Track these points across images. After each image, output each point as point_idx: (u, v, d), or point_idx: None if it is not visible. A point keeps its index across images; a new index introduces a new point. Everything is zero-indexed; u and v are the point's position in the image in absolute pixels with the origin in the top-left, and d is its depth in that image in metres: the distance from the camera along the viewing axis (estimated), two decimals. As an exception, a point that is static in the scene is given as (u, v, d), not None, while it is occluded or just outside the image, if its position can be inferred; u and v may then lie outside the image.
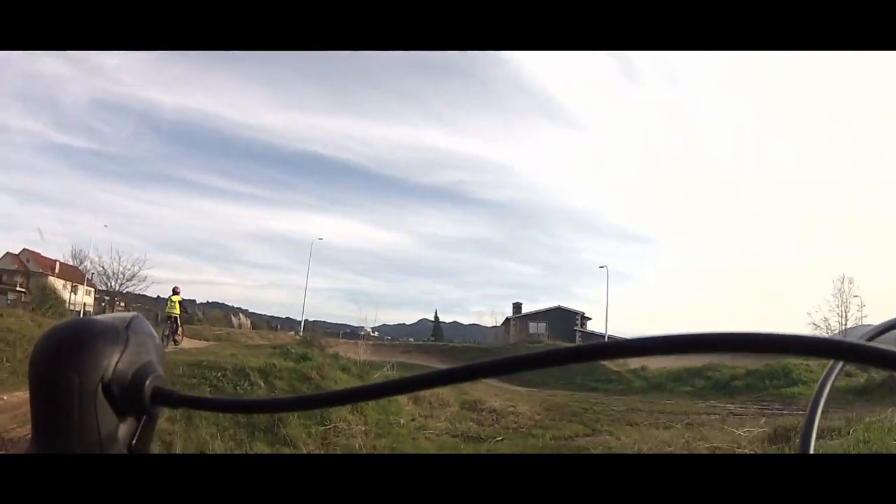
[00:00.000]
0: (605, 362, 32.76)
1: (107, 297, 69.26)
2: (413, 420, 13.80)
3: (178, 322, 26.02)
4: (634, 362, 33.92)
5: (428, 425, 13.51)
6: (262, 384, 14.13)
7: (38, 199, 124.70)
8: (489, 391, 21.38)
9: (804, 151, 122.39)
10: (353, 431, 11.64)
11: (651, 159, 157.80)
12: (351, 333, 57.32)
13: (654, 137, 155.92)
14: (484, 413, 16.38)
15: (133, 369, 0.68)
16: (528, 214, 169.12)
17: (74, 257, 72.88)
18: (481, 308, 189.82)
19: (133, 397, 0.67)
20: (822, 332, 43.84)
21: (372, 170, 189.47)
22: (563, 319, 66.34)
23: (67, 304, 66.41)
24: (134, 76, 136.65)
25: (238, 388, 13.73)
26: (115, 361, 0.66)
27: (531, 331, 62.58)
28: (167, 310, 26.13)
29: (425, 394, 15.93)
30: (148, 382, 0.68)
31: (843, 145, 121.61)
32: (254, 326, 52.22)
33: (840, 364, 0.93)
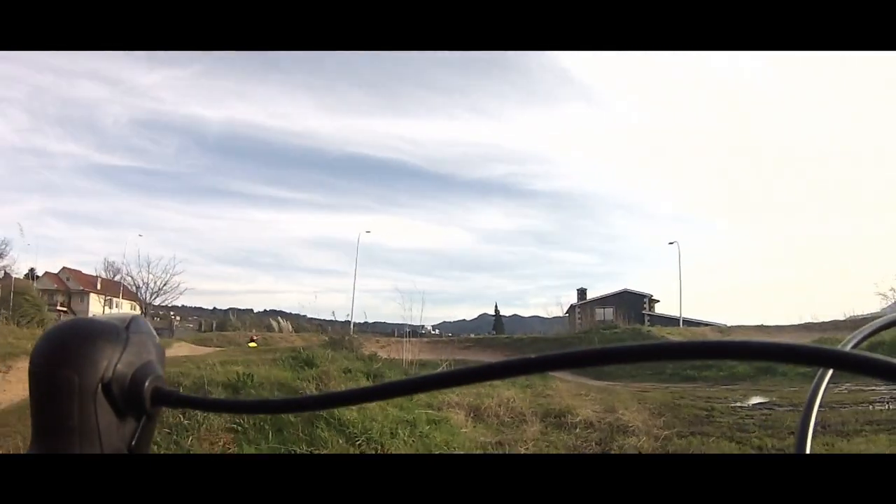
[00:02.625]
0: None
1: (159, 311, 68.53)
2: (473, 457, 8.69)
3: None
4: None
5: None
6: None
7: (85, 220, 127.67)
8: (567, 390, 17.00)
9: (867, 121, 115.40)
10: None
11: (702, 139, 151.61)
12: (411, 332, 54.23)
13: (704, 115, 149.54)
14: (579, 430, 11.74)
15: (133, 369, 0.67)
16: (579, 203, 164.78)
17: (107, 270, 73.32)
18: (541, 299, 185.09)
19: (133, 397, 0.67)
20: (890, 303, 41.86)
21: (422, 168, 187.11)
22: (631, 303, 61.15)
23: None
24: (172, 93, 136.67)
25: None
26: (115, 361, 0.66)
27: (598, 317, 57.45)
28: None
29: (492, 406, 13.08)
30: (148, 382, 0.67)
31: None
32: (298, 330, 48.20)
33: None
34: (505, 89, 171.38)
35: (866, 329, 0.92)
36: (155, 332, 0.74)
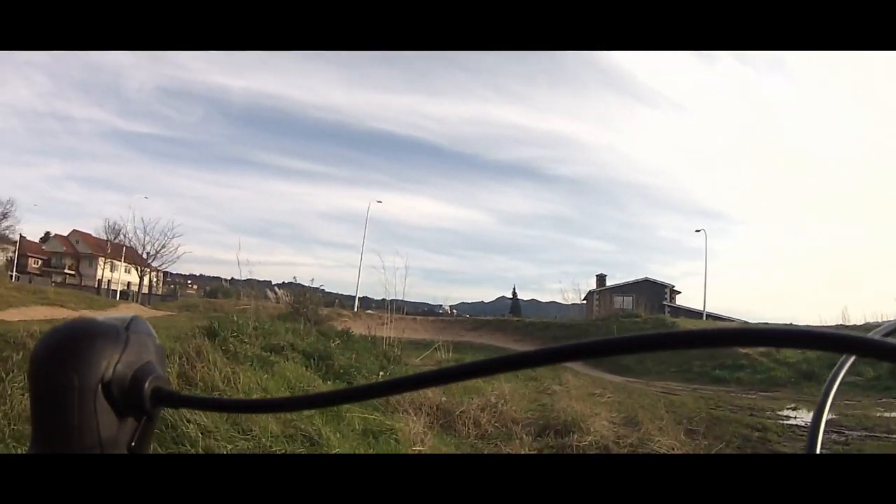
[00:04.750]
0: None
1: (176, 280, 67.00)
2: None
3: None
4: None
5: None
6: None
7: (106, 185, 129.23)
8: (578, 387, 13.96)
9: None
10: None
11: (728, 135, 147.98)
12: (429, 311, 56.77)
13: (731, 112, 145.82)
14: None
15: (133, 369, 0.66)
16: (603, 190, 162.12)
17: (107, 232, 70.54)
18: (559, 285, 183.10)
19: (133, 398, 0.65)
20: None
21: (445, 147, 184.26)
22: (651, 293, 57.82)
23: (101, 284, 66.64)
24: (200, 62, 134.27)
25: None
26: (114, 362, 0.64)
27: (616, 305, 54.61)
28: None
29: (472, 409, 9.71)
30: (148, 383, 0.66)
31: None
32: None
33: (850, 360, 0.88)
34: (534, 72, 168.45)
35: (893, 322, 0.88)
36: (155, 333, 0.72)
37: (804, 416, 13.39)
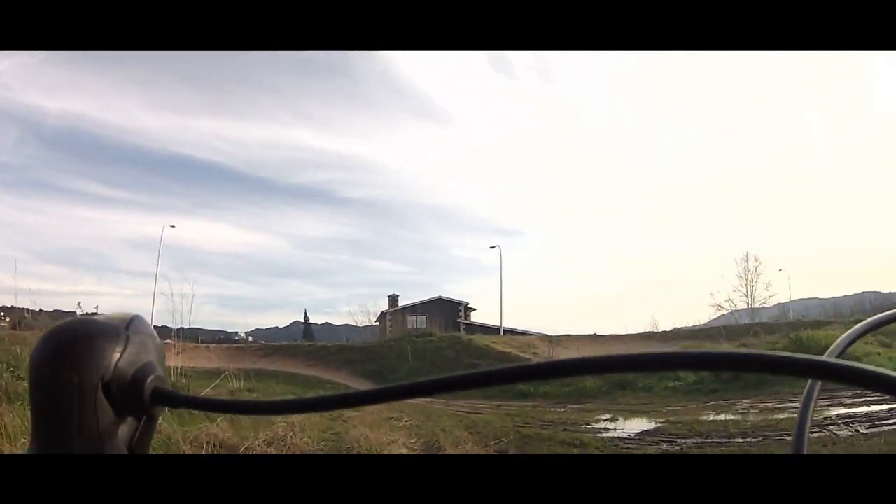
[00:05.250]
0: (529, 357, 26.47)
1: None
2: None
3: None
4: (567, 354, 25.83)
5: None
6: None
7: None
8: (375, 412, 12.58)
9: (691, 135, 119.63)
10: None
11: (528, 152, 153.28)
12: (225, 339, 56.49)
13: (533, 129, 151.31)
14: None
15: (133, 369, 0.67)
16: (396, 212, 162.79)
17: None
18: (352, 308, 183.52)
19: (133, 397, 0.66)
20: (725, 314, 42.90)
21: (243, 171, 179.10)
22: (446, 311, 58.32)
23: None
24: (20, 80, 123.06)
25: None
26: (115, 361, 0.65)
27: (410, 325, 53.82)
28: None
29: (258, 445, 8.83)
30: (148, 382, 0.67)
31: (733, 125, 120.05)
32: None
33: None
34: (332, 94, 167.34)
35: (852, 333, 0.91)
36: (155, 333, 0.73)
37: (624, 427, 12.62)
